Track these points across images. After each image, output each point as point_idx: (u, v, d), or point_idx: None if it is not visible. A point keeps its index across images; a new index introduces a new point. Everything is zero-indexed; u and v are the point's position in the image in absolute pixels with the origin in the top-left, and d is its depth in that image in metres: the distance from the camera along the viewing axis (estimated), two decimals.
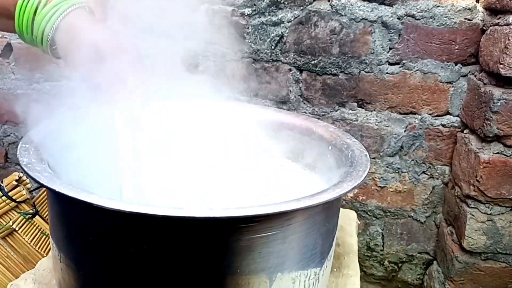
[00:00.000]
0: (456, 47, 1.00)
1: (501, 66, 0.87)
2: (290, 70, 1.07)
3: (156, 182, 0.60)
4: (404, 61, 1.03)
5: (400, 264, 1.18)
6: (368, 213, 1.15)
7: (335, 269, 0.71)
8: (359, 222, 0.94)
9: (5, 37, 1.14)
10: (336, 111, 1.08)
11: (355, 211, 0.94)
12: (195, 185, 0.66)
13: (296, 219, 0.50)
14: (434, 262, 1.15)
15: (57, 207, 0.52)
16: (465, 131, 1.02)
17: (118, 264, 0.48)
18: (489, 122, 0.90)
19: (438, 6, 0.98)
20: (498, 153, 0.92)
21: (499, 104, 0.89)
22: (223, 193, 0.67)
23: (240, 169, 0.73)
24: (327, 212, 0.55)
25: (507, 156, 0.92)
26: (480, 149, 0.94)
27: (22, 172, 0.91)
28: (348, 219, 0.87)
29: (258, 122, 0.78)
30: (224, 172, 0.71)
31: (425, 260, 1.16)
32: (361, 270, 0.92)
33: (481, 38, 0.98)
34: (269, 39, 1.05)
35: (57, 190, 0.45)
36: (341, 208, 0.65)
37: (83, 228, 0.50)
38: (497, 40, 0.89)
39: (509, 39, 0.85)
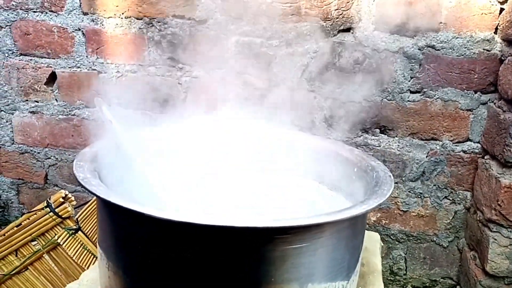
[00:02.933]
0: (476, 76, 1.04)
1: None
2: (315, 97, 1.12)
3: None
4: (425, 90, 1.07)
5: None
6: (391, 237, 1.17)
7: (360, 287, 0.74)
8: (382, 244, 0.97)
9: (50, 66, 1.23)
10: (359, 137, 1.12)
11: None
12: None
13: (325, 233, 0.54)
14: (457, 287, 1.15)
15: (108, 218, 0.57)
16: (485, 157, 1.05)
17: (163, 271, 0.53)
18: (509, 148, 0.93)
19: (457, 38, 1.03)
20: None
21: None
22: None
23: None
24: (353, 228, 0.59)
25: None
26: (501, 174, 0.96)
27: (63, 191, 0.98)
28: (372, 241, 0.90)
29: (285, 143, 0.83)
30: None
31: (448, 285, 1.17)
32: None
33: (500, 68, 1.01)
34: (295, 68, 1.11)
35: (112, 201, 0.50)
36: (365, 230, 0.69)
37: (132, 237, 0.54)
38: None
39: None
